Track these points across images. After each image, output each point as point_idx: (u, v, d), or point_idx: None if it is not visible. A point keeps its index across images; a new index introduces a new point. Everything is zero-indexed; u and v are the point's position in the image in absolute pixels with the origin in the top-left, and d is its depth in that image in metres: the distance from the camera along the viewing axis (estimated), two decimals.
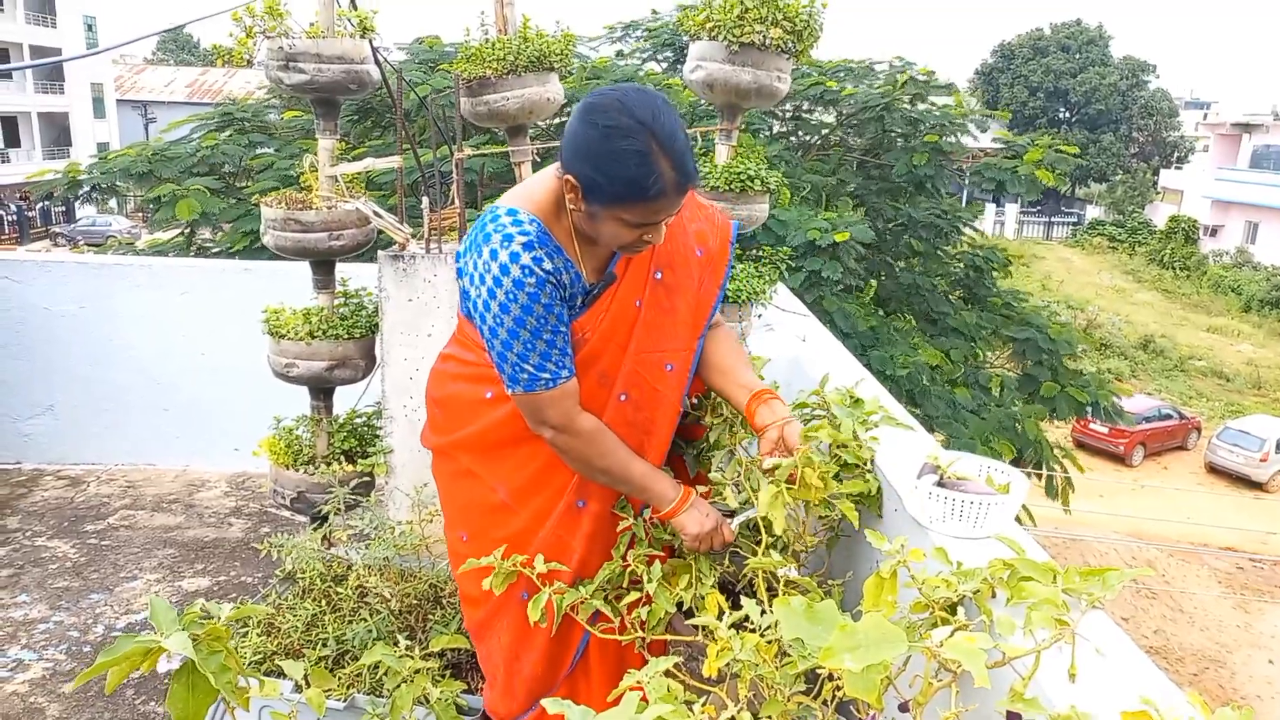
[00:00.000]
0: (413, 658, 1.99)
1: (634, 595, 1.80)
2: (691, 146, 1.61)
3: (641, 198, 1.56)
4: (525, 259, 1.62)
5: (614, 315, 1.79)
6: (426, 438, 2.03)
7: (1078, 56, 45.31)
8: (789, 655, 1.33)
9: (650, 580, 1.77)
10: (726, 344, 1.95)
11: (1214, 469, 19.29)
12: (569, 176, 1.60)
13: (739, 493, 1.89)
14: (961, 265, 9.83)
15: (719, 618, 1.41)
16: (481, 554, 1.86)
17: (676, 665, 1.38)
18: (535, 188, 1.72)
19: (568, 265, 1.70)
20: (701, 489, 1.94)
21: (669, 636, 1.85)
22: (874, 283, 8.90)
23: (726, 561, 1.99)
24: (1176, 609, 14.11)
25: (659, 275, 1.82)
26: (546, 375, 1.69)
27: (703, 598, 1.77)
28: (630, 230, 1.62)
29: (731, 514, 1.89)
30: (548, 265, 1.64)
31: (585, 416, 1.75)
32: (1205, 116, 46.86)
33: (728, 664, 1.34)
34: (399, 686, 1.94)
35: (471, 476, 1.93)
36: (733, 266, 1.93)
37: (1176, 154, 46.71)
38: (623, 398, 1.82)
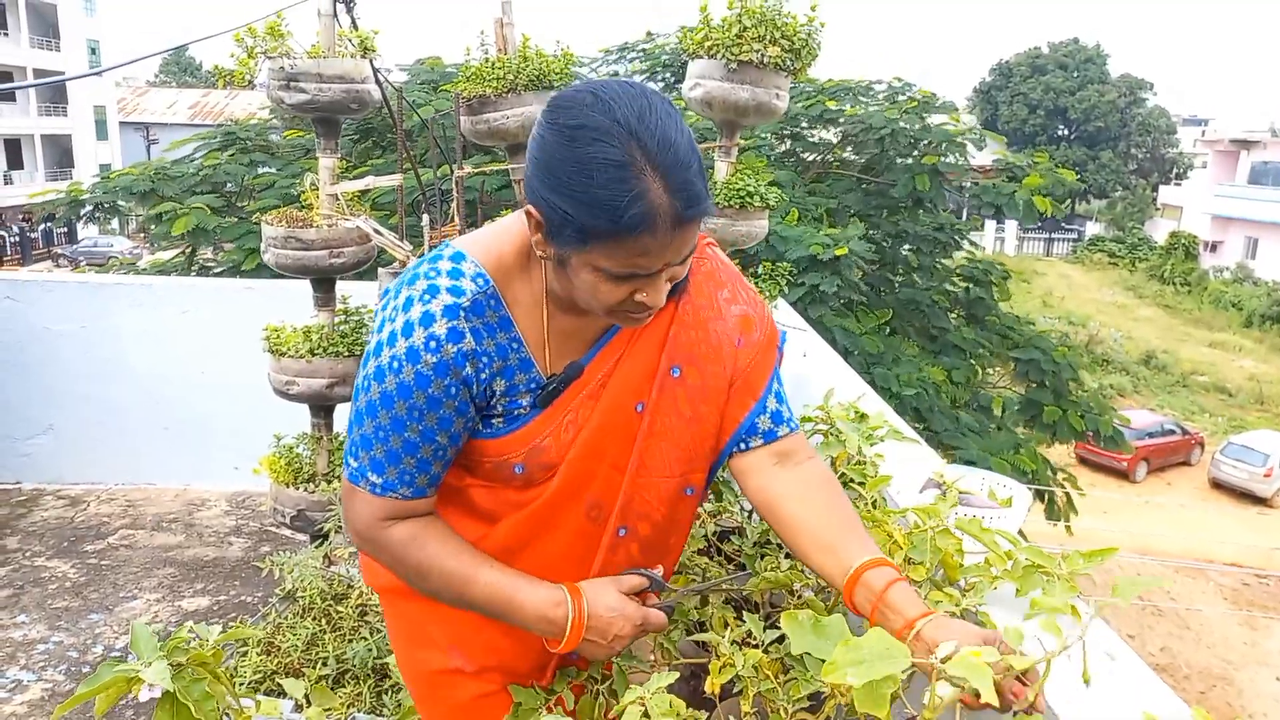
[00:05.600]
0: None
1: None
2: (701, 161, 1.10)
3: (615, 228, 1.04)
4: (438, 327, 1.14)
5: (598, 424, 1.28)
6: (372, 573, 1.45)
7: (1076, 74, 45.70)
8: (793, 671, 1.32)
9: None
10: (824, 494, 1.32)
11: (1218, 484, 19.22)
12: (530, 206, 1.12)
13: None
14: (960, 279, 9.82)
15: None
16: None
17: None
18: (505, 232, 1.24)
19: (514, 345, 1.21)
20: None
21: (682, 662, 1.82)
22: (890, 310, 8.83)
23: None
24: (1183, 626, 14.03)
25: (676, 372, 1.30)
26: (377, 480, 1.21)
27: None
28: (613, 285, 1.11)
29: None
30: (467, 345, 1.16)
31: (400, 526, 1.24)
32: (1203, 133, 47.05)
33: (730, 681, 1.32)
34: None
35: (420, 630, 1.42)
36: (777, 378, 1.38)
37: (1175, 170, 46.96)
38: (622, 532, 1.33)
